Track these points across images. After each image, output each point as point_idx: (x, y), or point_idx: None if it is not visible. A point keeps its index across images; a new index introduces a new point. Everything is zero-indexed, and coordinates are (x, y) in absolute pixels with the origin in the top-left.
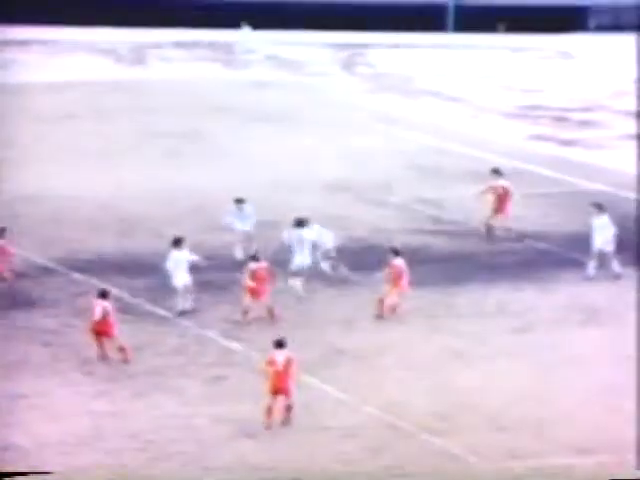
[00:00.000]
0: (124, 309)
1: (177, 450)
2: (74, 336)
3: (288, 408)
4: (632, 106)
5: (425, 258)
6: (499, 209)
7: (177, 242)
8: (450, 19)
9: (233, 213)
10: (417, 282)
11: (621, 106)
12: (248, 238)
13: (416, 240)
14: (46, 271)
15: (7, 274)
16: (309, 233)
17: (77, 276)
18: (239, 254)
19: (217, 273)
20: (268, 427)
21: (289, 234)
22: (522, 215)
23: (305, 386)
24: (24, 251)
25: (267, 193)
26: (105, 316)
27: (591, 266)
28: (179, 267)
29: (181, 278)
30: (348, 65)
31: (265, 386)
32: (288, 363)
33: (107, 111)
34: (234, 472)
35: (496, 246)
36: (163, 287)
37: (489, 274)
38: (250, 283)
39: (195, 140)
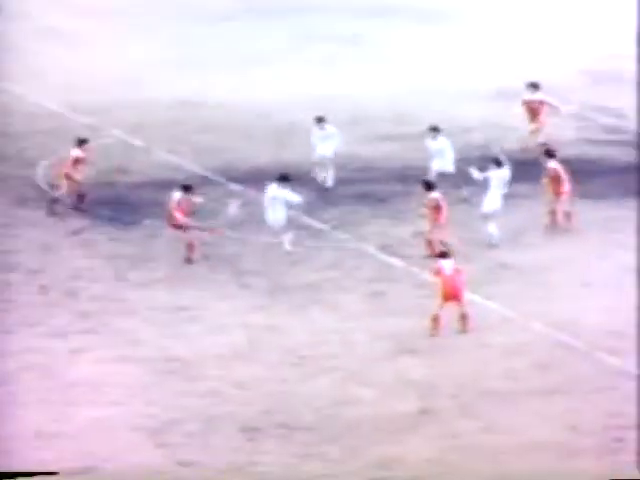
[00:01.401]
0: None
1: (334, 365)
2: (232, 248)
3: (463, 317)
4: None
5: (603, 169)
6: (533, 121)
7: (282, 178)
8: None
9: (315, 134)
10: (594, 195)
11: None
12: (329, 163)
13: (593, 151)
14: (203, 181)
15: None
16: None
17: (234, 187)
18: (321, 178)
19: (375, 185)
20: (434, 334)
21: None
22: None
23: (469, 302)
24: (181, 159)
25: (431, 101)
26: (174, 208)
27: None
28: (274, 204)
29: (273, 216)
30: None
31: (436, 295)
32: (456, 271)
33: (263, 13)
34: (394, 388)
35: None
36: (320, 199)
37: None
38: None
39: (354, 44)
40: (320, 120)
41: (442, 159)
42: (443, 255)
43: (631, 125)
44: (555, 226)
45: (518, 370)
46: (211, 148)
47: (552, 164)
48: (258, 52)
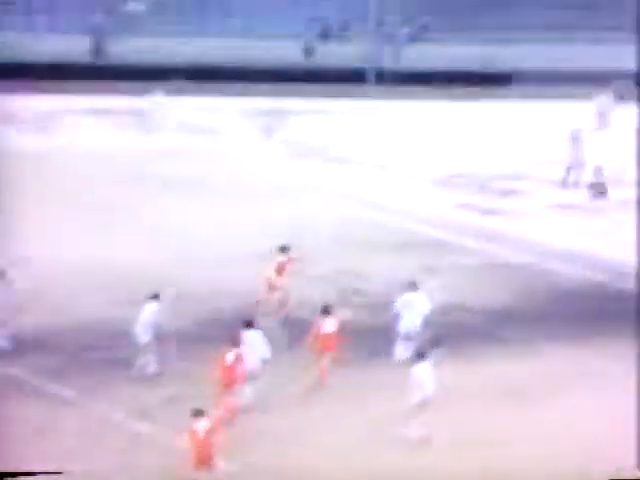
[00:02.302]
0: (22, 389)
1: None
2: None
3: None
4: (555, 175)
5: (349, 332)
6: (273, 287)
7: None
8: (371, 84)
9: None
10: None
11: (545, 175)
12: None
13: (340, 314)
14: None
15: None
16: None
17: None
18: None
19: (127, 350)
20: None
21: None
22: (445, 286)
23: (222, 471)
24: None
25: (184, 268)
26: None
27: (399, 349)
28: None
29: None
30: (266, 131)
31: (188, 461)
32: (210, 432)
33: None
34: None
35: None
36: (65, 365)
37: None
38: None
39: (107, 211)
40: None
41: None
42: (197, 414)
43: (375, 288)
44: (315, 385)
45: None
46: None
47: (322, 321)
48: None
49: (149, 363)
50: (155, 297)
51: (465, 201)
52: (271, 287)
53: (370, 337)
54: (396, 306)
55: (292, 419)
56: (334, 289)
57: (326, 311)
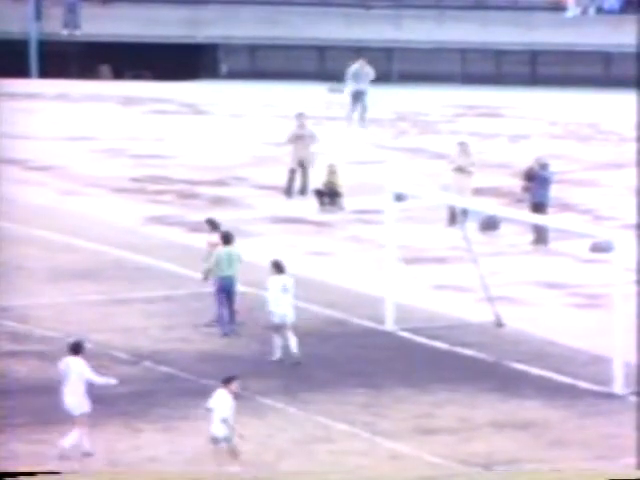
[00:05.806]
0: None
1: None
2: None
3: None
4: (272, 178)
5: (7, 390)
6: None
7: None
8: (33, 59)
9: None
10: None
11: (262, 177)
12: None
13: None
14: None
15: None
16: None
17: None
18: None
19: None
20: None
21: None
22: (137, 328)
23: None
24: None
25: None
26: None
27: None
28: None
29: None
30: None
31: None
32: None
33: None
34: None
35: (103, 371)
36: None
37: (99, 410)
38: None
39: None
40: None
41: None
42: None
43: (42, 330)
44: None
45: None
46: None
47: None
48: None
49: None
50: None
51: (160, 213)
52: None
53: (37, 397)
54: None
55: None
56: None
57: None
